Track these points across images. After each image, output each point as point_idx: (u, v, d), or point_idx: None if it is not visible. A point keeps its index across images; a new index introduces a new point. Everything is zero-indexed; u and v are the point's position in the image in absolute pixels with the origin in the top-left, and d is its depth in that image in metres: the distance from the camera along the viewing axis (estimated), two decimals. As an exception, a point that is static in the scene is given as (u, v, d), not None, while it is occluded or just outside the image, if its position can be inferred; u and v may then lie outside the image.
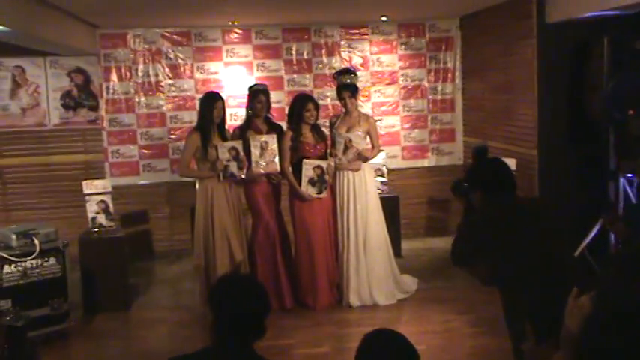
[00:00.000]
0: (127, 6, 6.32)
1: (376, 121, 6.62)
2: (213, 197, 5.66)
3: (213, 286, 2.58)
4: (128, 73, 7.77)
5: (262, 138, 5.80)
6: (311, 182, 5.77)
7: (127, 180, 7.78)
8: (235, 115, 7.63)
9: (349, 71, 6.08)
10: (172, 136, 7.87)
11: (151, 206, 7.91)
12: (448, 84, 8.25)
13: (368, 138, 6.01)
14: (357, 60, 8.07)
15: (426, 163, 8.30)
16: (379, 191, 6.44)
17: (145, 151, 7.86)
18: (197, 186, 6.04)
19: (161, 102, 7.85)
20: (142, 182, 7.87)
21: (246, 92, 6.02)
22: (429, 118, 8.26)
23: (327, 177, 5.80)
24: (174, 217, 7.89)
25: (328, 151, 5.98)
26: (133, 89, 7.79)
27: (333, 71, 6.69)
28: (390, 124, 8.17)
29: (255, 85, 6.16)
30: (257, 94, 5.89)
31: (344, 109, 6.01)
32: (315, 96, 7.05)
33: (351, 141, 5.84)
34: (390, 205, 6.79)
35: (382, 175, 7.39)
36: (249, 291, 2.50)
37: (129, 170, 7.83)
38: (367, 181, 5.95)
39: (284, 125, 6.06)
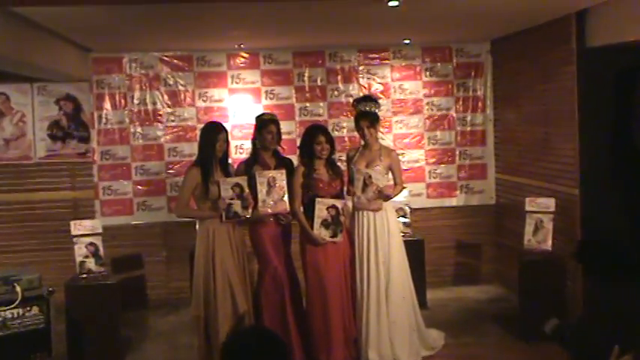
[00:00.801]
0: (124, 28, 6.41)
1: (399, 155, 6.62)
2: (214, 240, 5.65)
3: (225, 342, 2.52)
4: (123, 101, 7.87)
5: (270, 174, 5.82)
6: (324, 224, 5.76)
7: (120, 220, 7.83)
8: (241, 147, 7.71)
9: (370, 99, 6.11)
10: (171, 171, 7.93)
11: (146, 249, 7.93)
12: (478, 114, 8.28)
13: (390, 173, 6.02)
14: (376, 87, 8.15)
15: (453, 202, 8.29)
16: (402, 234, 6.41)
17: (139, 187, 7.91)
18: (197, 227, 6.04)
19: (159, 133, 7.93)
20: (136, 222, 7.91)
21: (253, 122, 6.06)
22: (458, 152, 8.28)
23: (342, 218, 5.79)
24: (172, 261, 7.90)
25: (345, 188, 6.00)
26: (127, 118, 7.88)
27: (352, 99, 6.69)
28: (413, 158, 8.20)
29: (263, 114, 6.21)
30: (267, 125, 5.91)
31: (362, 141, 6.04)
32: (329, 127, 7.08)
33: (370, 177, 5.84)
34: (413, 250, 6.75)
35: (404, 216, 7.39)
36: (271, 349, 2.43)
37: (122, 209, 7.87)
38: (389, 222, 5.93)
39: (294, 159, 6.09)
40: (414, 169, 8.17)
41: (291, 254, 6.03)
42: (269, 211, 5.79)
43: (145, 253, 7.93)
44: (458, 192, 8.31)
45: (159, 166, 7.94)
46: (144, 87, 7.90)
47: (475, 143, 8.31)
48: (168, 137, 7.94)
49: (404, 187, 6.33)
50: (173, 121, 7.95)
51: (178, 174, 7.71)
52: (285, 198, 5.80)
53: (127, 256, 7.82)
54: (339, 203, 5.80)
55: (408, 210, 7.48)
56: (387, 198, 5.92)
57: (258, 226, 5.88)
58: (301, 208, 5.86)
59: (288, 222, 5.94)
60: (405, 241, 6.17)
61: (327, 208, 5.76)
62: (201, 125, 6.50)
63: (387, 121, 8.06)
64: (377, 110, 6.02)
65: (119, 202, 7.87)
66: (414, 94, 8.22)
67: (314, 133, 5.90)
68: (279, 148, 6.06)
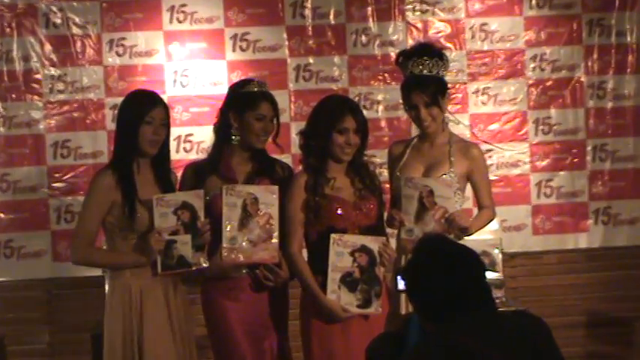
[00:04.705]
0: None
1: (485, 153, 6.62)
2: (142, 309, 5.63)
3: None
4: (-30, 56, 7.93)
5: (248, 190, 5.73)
6: (347, 281, 5.67)
7: (-36, 274, 7.86)
8: (187, 139, 7.73)
9: (430, 51, 6.03)
10: (58, 184, 7.94)
11: (15, 330, 7.94)
12: (627, 78, 8.30)
13: (465, 187, 6.03)
14: (438, 28, 8.18)
15: (583, 241, 8.30)
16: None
17: (1, 214, 7.92)
18: (108, 285, 5.95)
19: (35, 113, 7.95)
20: (-5, 279, 7.94)
21: (211, 94, 6.09)
22: (590, 148, 8.29)
23: (381, 271, 5.73)
24: (60, 351, 7.95)
25: (384, 215, 5.93)
26: (-22, 88, 7.92)
27: (397, 52, 6.63)
28: (508, 159, 8.20)
29: (248, 82, 6.10)
30: (255, 102, 5.83)
31: (419, 129, 6.03)
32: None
33: (432, 193, 5.78)
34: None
35: (492, 267, 7.25)
36: None
37: (-32, 254, 7.90)
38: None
39: (289, 162, 6.14)
40: (508, 180, 8.19)
41: (289, 337, 5.99)
42: (241, 259, 5.72)
43: (11, 337, 7.88)
44: (591, 222, 8.29)
45: (35, 176, 7.96)
46: (8, 30, 7.93)
47: (621, 131, 8.33)
48: (52, 122, 8.00)
49: (494, 214, 6.29)
50: (62, 92, 8.00)
51: (74, 189, 7.78)
52: (274, 236, 5.74)
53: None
54: (373, 243, 5.71)
55: (498, 256, 7.34)
56: (464, 232, 5.87)
57: (220, 287, 5.82)
58: (304, 253, 5.81)
59: (278, 284, 5.82)
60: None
61: (353, 253, 5.66)
62: (117, 99, 6.43)
63: (459, 92, 8.04)
64: (443, 73, 5.98)
65: (-37, 241, 7.93)
66: (509, 42, 8.25)
67: (337, 109, 5.78)
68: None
